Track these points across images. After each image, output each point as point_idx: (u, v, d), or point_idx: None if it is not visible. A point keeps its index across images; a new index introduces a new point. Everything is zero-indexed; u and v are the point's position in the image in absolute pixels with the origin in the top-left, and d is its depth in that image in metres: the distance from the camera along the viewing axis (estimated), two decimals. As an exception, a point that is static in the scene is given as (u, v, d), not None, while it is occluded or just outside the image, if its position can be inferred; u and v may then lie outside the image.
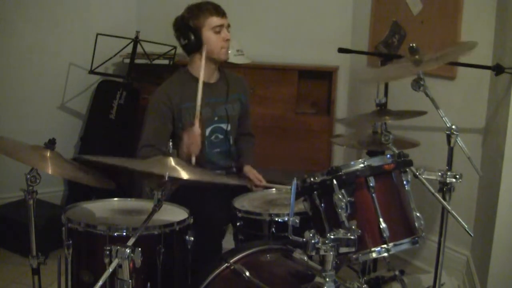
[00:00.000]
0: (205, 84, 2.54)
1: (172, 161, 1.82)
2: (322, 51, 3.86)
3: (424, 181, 1.95)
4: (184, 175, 1.77)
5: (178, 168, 1.80)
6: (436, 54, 2.22)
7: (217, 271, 1.85)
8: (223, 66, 2.76)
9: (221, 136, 2.69)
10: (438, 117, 2.05)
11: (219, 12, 2.59)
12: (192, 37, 2.55)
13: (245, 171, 2.67)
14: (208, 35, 2.56)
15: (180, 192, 2.42)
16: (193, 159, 2.43)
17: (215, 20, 2.56)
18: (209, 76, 2.65)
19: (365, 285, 1.82)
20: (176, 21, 2.62)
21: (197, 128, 2.44)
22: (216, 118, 2.67)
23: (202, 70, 2.48)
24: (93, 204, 2.23)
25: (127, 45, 3.73)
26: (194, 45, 2.57)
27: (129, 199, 2.33)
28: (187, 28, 2.56)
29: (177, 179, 1.78)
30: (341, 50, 3.07)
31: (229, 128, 2.70)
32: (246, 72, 3.77)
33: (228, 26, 2.62)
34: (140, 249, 1.64)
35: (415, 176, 1.95)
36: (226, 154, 2.72)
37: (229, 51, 2.68)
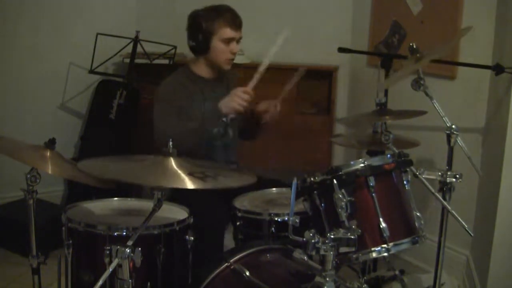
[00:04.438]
0: (206, 80, 2.61)
1: (172, 163, 1.80)
2: (322, 51, 3.84)
3: (424, 181, 1.95)
4: (188, 184, 1.73)
5: (179, 171, 1.77)
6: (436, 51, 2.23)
7: (217, 271, 1.85)
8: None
9: (221, 130, 2.69)
10: (438, 117, 2.05)
11: (235, 24, 2.54)
12: (201, 40, 2.53)
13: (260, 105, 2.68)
14: (216, 44, 2.54)
15: (180, 192, 2.42)
16: (230, 116, 2.39)
17: (228, 32, 2.53)
18: (211, 73, 2.66)
19: (365, 285, 1.82)
20: (192, 16, 2.57)
21: (252, 85, 2.42)
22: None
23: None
24: (93, 204, 2.23)
25: (127, 45, 3.73)
26: (200, 49, 2.57)
27: (129, 199, 2.33)
28: (199, 29, 2.53)
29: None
30: (341, 50, 3.07)
31: (228, 121, 2.69)
32: (246, 72, 3.72)
33: (240, 38, 2.59)
34: (140, 249, 1.64)
35: (415, 176, 1.95)
36: (226, 147, 2.72)
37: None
